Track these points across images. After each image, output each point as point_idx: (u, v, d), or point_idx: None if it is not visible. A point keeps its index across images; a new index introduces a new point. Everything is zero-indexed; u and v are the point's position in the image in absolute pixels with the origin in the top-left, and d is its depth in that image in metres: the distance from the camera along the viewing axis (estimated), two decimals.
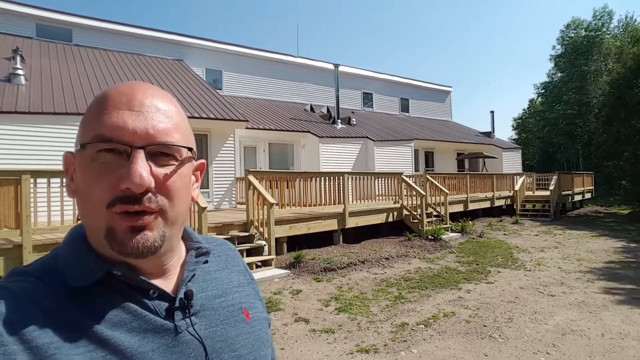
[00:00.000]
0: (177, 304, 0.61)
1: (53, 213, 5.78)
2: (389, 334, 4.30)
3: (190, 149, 0.62)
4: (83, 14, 16.02)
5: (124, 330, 0.56)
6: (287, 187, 8.62)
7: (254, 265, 6.76)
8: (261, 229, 7.35)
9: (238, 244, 7.10)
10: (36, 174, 5.52)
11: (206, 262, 0.70)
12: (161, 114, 0.60)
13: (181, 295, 0.62)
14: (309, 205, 9.01)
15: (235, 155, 12.48)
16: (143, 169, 0.55)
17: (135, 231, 0.56)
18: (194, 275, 0.66)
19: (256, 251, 7.20)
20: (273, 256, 7.07)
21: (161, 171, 0.58)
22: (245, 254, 6.93)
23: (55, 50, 13.87)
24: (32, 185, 5.37)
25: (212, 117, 11.57)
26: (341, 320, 4.70)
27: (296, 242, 8.08)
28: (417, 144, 18.39)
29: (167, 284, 0.63)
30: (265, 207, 7.25)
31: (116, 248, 0.56)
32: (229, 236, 7.14)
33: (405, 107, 24.57)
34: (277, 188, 8.35)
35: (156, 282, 0.62)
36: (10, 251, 5.24)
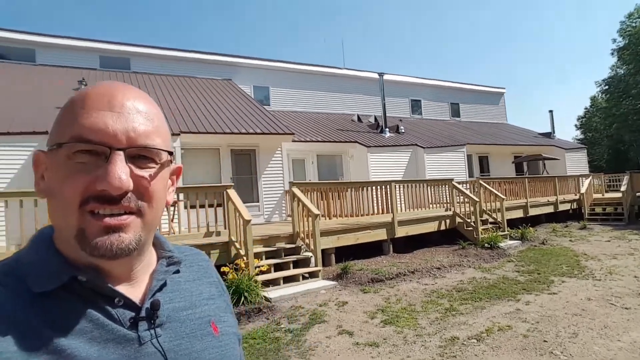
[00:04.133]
0: (142, 314, 0.59)
1: None
2: (437, 349, 4.04)
3: (170, 153, 0.61)
4: (140, 43, 17.17)
5: (84, 340, 0.53)
6: (333, 198, 8.55)
7: (301, 277, 6.71)
8: (307, 241, 7.31)
9: (285, 255, 7.11)
10: None
11: (177, 272, 0.68)
12: (142, 116, 0.58)
13: (147, 305, 0.60)
14: (356, 216, 8.88)
15: (283, 168, 12.65)
16: (122, 171, 0.54)
17: (111, 231, 0.55)
18: (163, 285, 0.64)
19: (303, 263, 7.16)
20: (319, 267, 6.99)
21: (140, 174, 0.57)
22: (291, 265, 6.91)
23: (116, 78, 14.90)
24: None
25: (259, 132, 11.82)
26: (387, 334, 4.50)
27: (344, 253, 7.94)
28: (470, 149, 17.67)
29: (134, 292, 0.61)
30: (310, 218, 7.21)
31: (87, 249, 0.54)
32: (275, 248, 7.17)
33: (456, 112, 23.78)
34: (322, 199, 8.31)
35: (123, 289, 0.59)
36: None
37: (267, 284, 6.32)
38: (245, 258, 6.23)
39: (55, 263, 0.56)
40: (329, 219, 8.48)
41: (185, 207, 7.36)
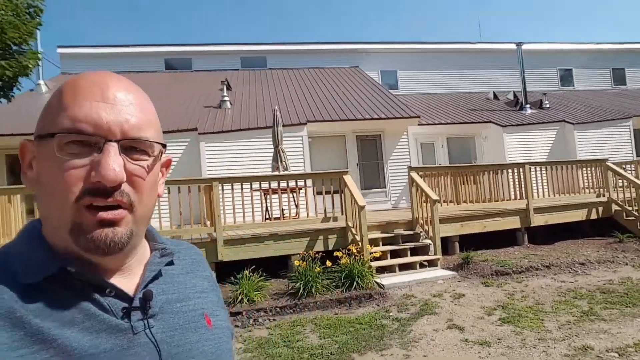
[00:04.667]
0: (135, 304, 0.58)
1: (237, 214, 6.74)
2: (562, 357, 3.50)
3: (164, 145, 0.62)
4: (275, 41, 18.46)
5: (75, 330, 0.52)
6: (456, 183, 8.01)
7: (418, 265, 6.49)
8: (426, 227, 7.02)
9: (402, 242, 6.95)
10: (222, 180, 6.59)
11: (171, 263, 0.67)
12: (135, 107, 0.58)
13: (140, 295, 0.59)
14: (484, 201, 8.17)
15: (410, 153, 12.32)
16: (116, 162, 0.54)
17: (105, 225, 0.55)
18: (156, 276, 0.63)
19: (422, 250, 6.90)
20: (439, 256, 6.65)
21: (133, 166, 0.57)
22: (408, 252, 6.73)
23: (254, 77, 16.31)
24: (220, 190, 6.43)
25: (383, 117, 11.71)
26: (502, 333, 4.07)
27: (470, 242, 7.39)
28: (638, 123, 14.60)
29: (126, 283, 0.60)
30: (429, 204, 6.89)
31: (82, 244, 0.54)
32: (393, 234, 7.07)
33: (620, 79, 19.67)
34: (444, 184, 7.86)
35: (115, 280, 0.59)
36: (208, 244, 6.36)
37: (381, 270, 6.28)
38: (360, 243, 6.29)
39: (43, 254, 0.56)
40: (454, 204, 8.00)
41: (298, 193, 7.71)
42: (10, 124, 10.62)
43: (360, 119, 11.64)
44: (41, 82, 14.84)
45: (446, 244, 7.32)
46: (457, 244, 7.46)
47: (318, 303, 5.26)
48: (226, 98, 12.84)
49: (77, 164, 0.53)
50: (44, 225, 0.59)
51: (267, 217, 7.77)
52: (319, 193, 7.33)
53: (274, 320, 4.94)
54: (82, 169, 0.53)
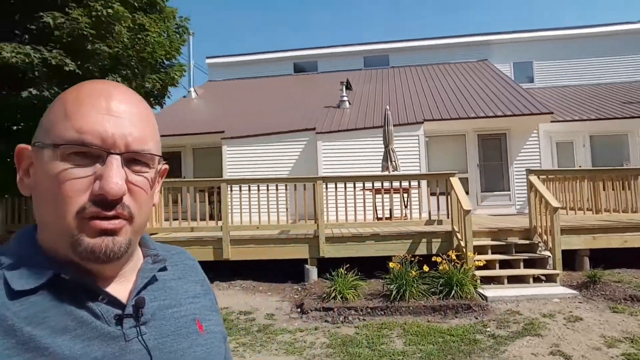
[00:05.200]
0: (127, 312, 0.58)
1: (340, 212, 6.91)
2: None
3: (166, 159, 0.64)
4: (397, 39, 18.24)
5: (67, 338, 0.52)
6: (588, 189, 6.95)
7: (531, 279, 5.82)
8: (545, 237, 6.26)
9: (515, 252, 6.32)
10: (326, 179, 6.84)
11: (164, 269, 0.67)
12: (138, 119, 0.59)
13: (132, 302, 0.59)
14: (633, 212, 6.94)
15: (540, 153, 11.07)
16: (118, 175, 0.54)
17: (106, 234, 0.55)
18: (149, 282, 0.63)
19: (539, 263, 6.18)
20: (558, 271, 5.86)
21: (135, 179, 0.57)
22: (522, 264, 6.08)
23: (375, 76, 16.39)
24: (324, 189, 6.69)
25: (508, 115, 10.75)
26: None
27: (604, 258, 6.35)
28: None
29: (119, 290, 0.60)
30: (548, 211, 6.12)
31: (82, 253, 0.55)
32: (505, 242, 6.47)
33: None
34: (571, 190, 6.90)
35: (108, 287, 0.59)
36: (311, 240, 6.67)
37: (487, 280, 5.81)
38: (464, 250, 5.92)
39: (37, 261, 0.55)
40: (592, 213, 6.98)
41: (409, 194, 7.51)
42: (166, 126, 12.60)
43: (481, 117, 10.84)
44: (192, 89, 17.20)
45: (572, 258, 6.43)
46: (586, 259, 6.48)
47: (410, 308, 5.12)
48: (345, 98, 13.17)
49: (79, 174, 0.54)
50: (40, 231, 0.59)
51: (376, 217, 7.79)
52: (433, 194, 7.10)
53: (363, 320, 4.98)
54: (85, 180, 0.54)
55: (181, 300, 0.67)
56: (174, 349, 0.60)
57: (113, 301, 0.58)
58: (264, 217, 6.83)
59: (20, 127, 7.29)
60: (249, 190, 6.78)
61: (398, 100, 13.00)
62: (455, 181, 6.54)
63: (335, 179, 6.89)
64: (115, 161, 0.55)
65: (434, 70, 16.14)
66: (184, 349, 0.61)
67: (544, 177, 6.88)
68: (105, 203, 0.54)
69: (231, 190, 6.79)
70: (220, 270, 6.67)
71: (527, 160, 10.91)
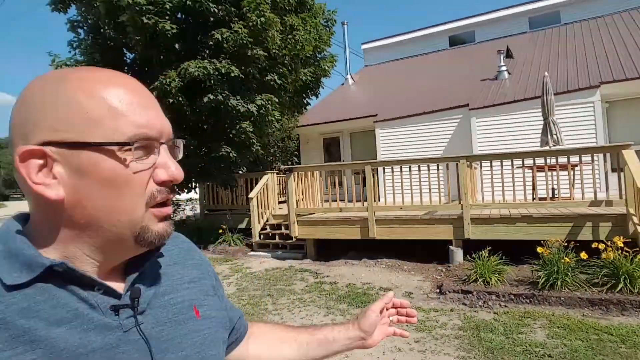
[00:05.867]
0: (123, 302, 0.58)
1: (486, 192, 6.54)
2: None
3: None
4: None
5: (64, 329, 0.51)
6: None
7: None
8: None
9: None
10: (470, 158, 6.53)
11: (159, 256, 0.67)
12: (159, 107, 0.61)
13: (128, 291, 0.59)
14: None
15: None
16: (174, 162, 0.59)
17: (167, 219, 0.59)
18: (144, 270, 0.62)
19: None
20: None
21: (176, 164, 0.61)
22: None
23: (543, 37, 14.46)
24: (467, 168, 6.42)
25: None
26: None
27: None
28: None
29: (114, 280, 0.60)
30: None
31: (155, 240, 0.58)
32: None
33: None
34: None
35: (103, 277, 0.58)
36: (455, 221, 6.51)
37: None
38: (638, 236, 5.02)
39: (29, 254, 0.53)
40: None
41: (576, 170, 6.52)
42: (325, 114, 13.61)
43: None
44: (348, 76, 17.99)
45: None
46: None
47: (562, 299, 4.64)
48: (503, 68, 12.04)
49: (145, 166, 0.56)
50: (37, 227, 0.57)
51: (534, 197, 7.11)
52: (614, 170, 6.15)
53: (505, 306, 4.73)
54: (149, 171, 0.56)
55: (177, 287, 0.66)
56: (172, 337, 0.60)
57: (109, 291, 0.57)
58: (407, 198, 6.94)
59: (204, 126, 8.92)
60: (392, 171, 6.96)
61: (569, 63, 11.25)
62: (630, 154, 5.51)
63: (480, 157, 6.53)
64: (165, 150, 0.58)
65: (617, 20, 13.34)
66: (181, 335, 0.62)
67: None
68: (169, 190, 0.58)
69: (377, 173, 7.04)
70: (368, 248, 7.09)
71: None
